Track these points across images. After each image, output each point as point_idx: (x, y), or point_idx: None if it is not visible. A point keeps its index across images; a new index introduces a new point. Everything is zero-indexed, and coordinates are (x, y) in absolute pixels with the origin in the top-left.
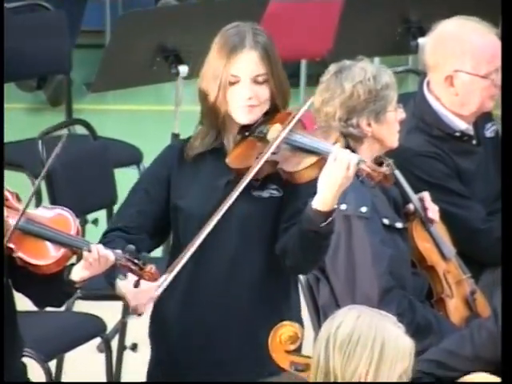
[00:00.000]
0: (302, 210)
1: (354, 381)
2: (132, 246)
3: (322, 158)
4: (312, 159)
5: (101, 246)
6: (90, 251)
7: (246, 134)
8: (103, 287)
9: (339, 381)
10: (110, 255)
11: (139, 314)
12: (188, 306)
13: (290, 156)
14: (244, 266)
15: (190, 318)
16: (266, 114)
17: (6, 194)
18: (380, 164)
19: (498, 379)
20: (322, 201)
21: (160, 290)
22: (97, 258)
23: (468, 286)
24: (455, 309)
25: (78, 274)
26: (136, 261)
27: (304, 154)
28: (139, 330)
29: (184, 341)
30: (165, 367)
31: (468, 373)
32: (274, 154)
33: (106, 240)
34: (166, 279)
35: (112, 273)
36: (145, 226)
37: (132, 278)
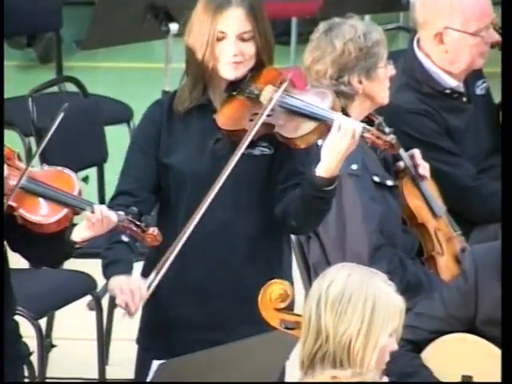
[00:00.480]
0: (299, 171)
1: (345, 339)
2: (135, 209)
3: (321, 124)
4: (311, 125)
5: (104, 207)
6: (93, 212)
7: (235, 93)
8: (94, 245)
9: (331, 339)
10: (113, 216)
11: (131, 315)
12: (182, 265)
13: (286, 121)
14: (237, 225)
15: (184, 276)
16: (252, 70)
17: (8, 152)
18: (381, 131)
19: (477, 338)
20: (326, 168)
21: (150, 291)
22: (100, 218)
23: (458, 244)
24: (446, 266)
25: (80, 234)
26: (138, 223)
27: (302, 118)
28: None
29: (177, 298)
30: (157, 325)
31: (443, 334)
32: (269, 116)
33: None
34: (155, 278)
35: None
36: (148, 185)
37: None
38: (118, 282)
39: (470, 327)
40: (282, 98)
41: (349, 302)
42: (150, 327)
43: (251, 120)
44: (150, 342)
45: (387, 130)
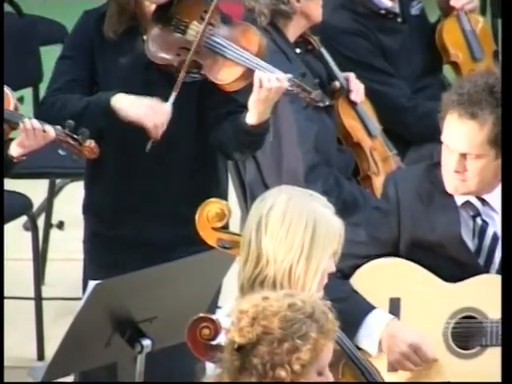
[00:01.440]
0: (231, 98)
1: (286, 264)
2: (72, 122)
3: (247, 70)
4: (237, 71)
5: (35, 121)
6: (24, 124)
7: (161, 25)
8: (30, 166)
9: (271, 264)
10: (49, 130)
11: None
12: (125, 187)
13: (213, 61)
14: (172, 147)
15: (126, 197)
16: None
17: None
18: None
19: (403, 261)
20: (254, 117)
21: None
22: (31, 128)
23: (394, 163)
24: (381, 186)
25: (16, 148)
26: (75, 136)
27: (228, 62)
28: (66, 208)
29: (118, 218)
30: (96, 243)
31: (370, 259)
32: (197, 52)
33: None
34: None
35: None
36: (79, 93)
37: None
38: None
39: (395, 251)
40: (208, 37)
41: (289, 227)
42: (89, 242)
43: (178, 55)
44: (89, 257)
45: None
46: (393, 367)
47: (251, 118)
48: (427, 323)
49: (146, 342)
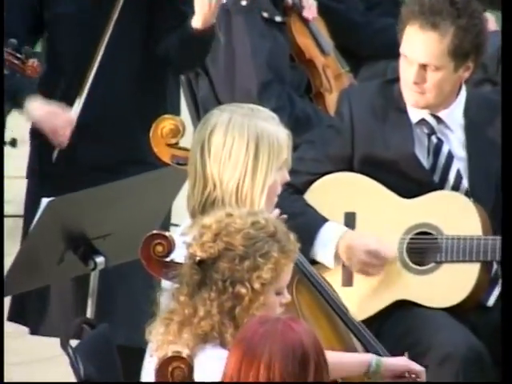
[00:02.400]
0: (181, 10)
1: (232, 185)
2: (14, 41)
3: None
4: None
5: None
6: None
7: None
8: None
9: (218, 186)
10: None
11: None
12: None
13: None
14: (120, 61)
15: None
16: None
17: None
18: None
19: (357, 175)
20: (199, 20)
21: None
22: None
23: (346, 81)
24: (334, 103)
25: None
26: (18, 55)
27: None
28: (19, 125)
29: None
30: (47, 164)
31: (324, 175)
32: None
33: None
34: (79, 104)
35: None
36: (24, 21)
37: None
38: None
39: (349, 168)
40: None
41: (231, 148)
42: (38, 164)
43: None
44: (39, 179)
45: None
46: (347, 281)
47: (197, 20)
48: (382, 238)
49: (100, 259)
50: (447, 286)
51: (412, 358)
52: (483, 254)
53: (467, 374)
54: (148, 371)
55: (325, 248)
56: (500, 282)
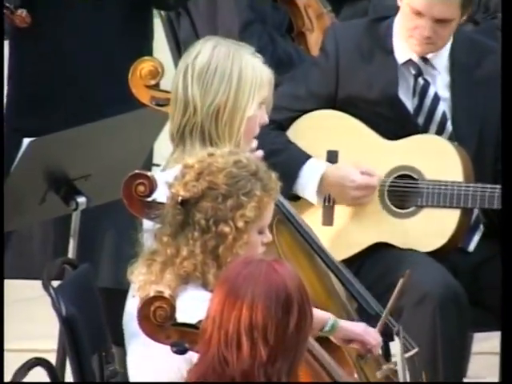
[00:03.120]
0: None
1: (212, 110)
2: None
3: None
4: None
5: None
6: None
7: None
8: None
9: (198, 110)
10: None
11: None
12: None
13: None
14: (105, 7)
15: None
16: None
17: None
18: None
19: (340, 113)
20: None
21: None
22: None
23: (328, 20)
24: (316, 43)
25: None
26: (7, 4)
27: None
28: None
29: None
30: (25, 103)
31: (307, 112)
32: None
33: None
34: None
35: None
36: None
37: None
38: None
39: (332, 107)
40: None
41: (215, 73)
42: (18, 105)
43: None
44: (19, 121)
45: None
46: (328, 221)
47: None
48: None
49: (81, 200)
50: (427, 230)
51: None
52: (464, 201)
53: (443, 314)
54: (130, 312)
55: (308, 184)
56: (481, 227)
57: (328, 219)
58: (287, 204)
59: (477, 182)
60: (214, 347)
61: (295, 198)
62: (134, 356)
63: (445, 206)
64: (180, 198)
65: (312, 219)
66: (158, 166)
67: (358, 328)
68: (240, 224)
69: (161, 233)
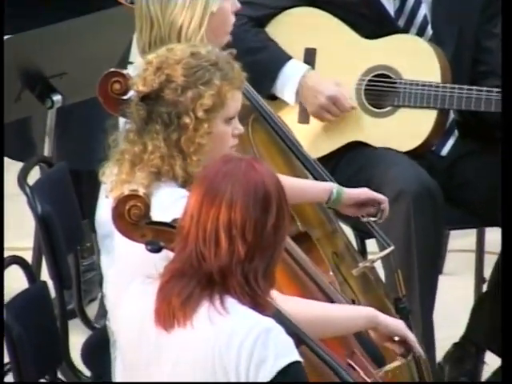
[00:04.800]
0: None
1: (172, 19)
2: None
3: None
4: None
5: None
6: None
7: None
8: None
9: (161, 23)
10: None
11: None
12: None
13: None
14: None
15: None
16: None
17: None
18: None
19: (319, 11)
20: None
21: None
22: None
23: None
24: None
25: None
26: None
27: None
28: None
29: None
30: None
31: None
32: None
33: None
34: None
35: None
36: None
37: None
38: None
39: (311, 3)
40: None
41: None
42: None
43: None
44: None
45: None
46: (304, 119)
47: None
48: (341, 77)
49: (57, 98)
50: (403, 130)
51: None
52: (441, 102)
53: (418, 210)
54: (103, 212)
55: (287, 84)
56: (456, 132)
57: (304, 117)
58: (262, 102)
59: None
60: (192, 243)
61: (272, 97)
62: (109, 256)
63: (421, 107)
64: (141, 94)
65: (288, 117)
66: (132, 63)
67: (362, 189)
68: (199, 113)
69: (128, 131)
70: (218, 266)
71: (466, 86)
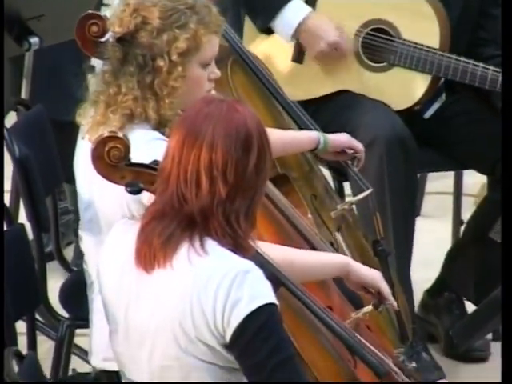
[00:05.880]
0: None
1: None
2: None
3: None
4: None
5: None
6: None
7: None
8: None
9: None
10: None
11: None
12: None
13: None
14: None
15: None
16: None
17: None
18: None
19: None
20: None
21: None
22: None
23: None
24: None
25: None
26: None
27: None
28: None
29: None
30: None
31: None
32: None
33: None
34: None
35: None
36: None
37: None
38: None
39: None
40: None
41: None
42: None
43: None
44: None
45: None
46: (298, 58)
47: None
48: (340, 24)
49: (34, 40)
50: (395, 89)
51: None
52: (436, 69)
53: (390, 155)
54: (80, 153)
55: (288, 23)
56: (443, 96)
57: (299, 57)
58: (242, 44)
59: (453, 48)
60: (173, 185)
61: (266, 30)
62: (85, 196)
63: (416, 70)
64: (117, 35)
65: (283, 55)
66: (107, 5)
67: (343, 136)
68: (174, 57)
69: (104, 72)
70: (199, 207)
71: (462, 59)
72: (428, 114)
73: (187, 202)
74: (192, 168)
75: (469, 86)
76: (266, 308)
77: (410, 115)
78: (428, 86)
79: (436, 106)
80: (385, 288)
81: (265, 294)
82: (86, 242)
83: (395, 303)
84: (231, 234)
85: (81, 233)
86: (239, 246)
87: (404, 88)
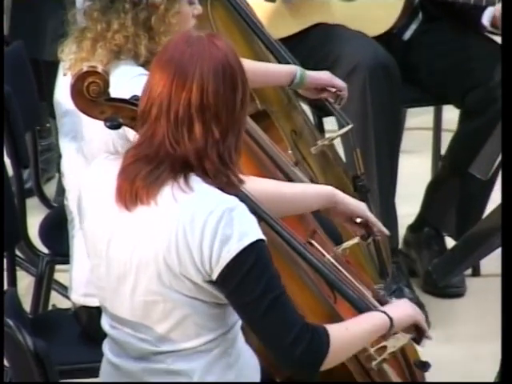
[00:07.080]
0: None
1: None
2: None
3: None
4: None
5: None
6: None
7: None
8: None
9: None
10: None
11: None
12: None
13: None
14: None
15: None
16: None
17: None
18: None
19: None
20: None
21: None
22: None
23: None
24: None
25: None
26: None
27: None
28: None
29: None
30: None
31: None
32: None
33: None
34: None
35: None
36: None
37: None
38: None
39: None
40: None
41: None
42: None
43: None
44: None
45: None
46: None
47: None
48: None
49: None
50: (370, 14)
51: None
52: None
53: (373, 85)
54: (61, 90)
55: None
56: (420, 16)
57: None
58: None
59: None
60: (163, 129)
61: None
62: (67, 134)
63: None
64: None
65: None
66: None
67: (325, 75)
68: None
69: (90, 8)
70: (193, 149)
71: None
72: (406, 35)
73: (180, 146)
74: (183, 112)
75: (443, 13)
76: (256, 244)
77: (389, 40)
78: (403, 6)
79: (414, 26)
80: (372, 217)
81: (253, 230)
82: (68, 178)
83: (385, 229)
84: (224, 171)
85: (63, 169)
86: (231, 183)
87: (378, 12)
